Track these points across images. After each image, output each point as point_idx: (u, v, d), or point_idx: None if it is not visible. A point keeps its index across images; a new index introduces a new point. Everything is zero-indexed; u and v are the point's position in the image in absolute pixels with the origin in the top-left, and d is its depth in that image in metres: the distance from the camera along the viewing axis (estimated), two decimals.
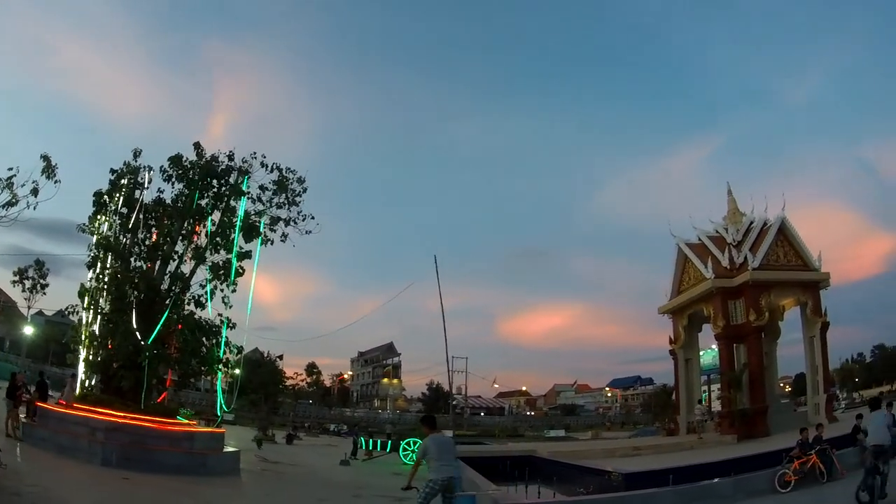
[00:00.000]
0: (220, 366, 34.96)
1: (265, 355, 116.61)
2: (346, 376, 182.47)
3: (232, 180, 36.30)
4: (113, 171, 35.27)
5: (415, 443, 46.61)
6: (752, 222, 64.40)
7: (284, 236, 37.37)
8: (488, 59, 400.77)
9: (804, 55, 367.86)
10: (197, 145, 36.11)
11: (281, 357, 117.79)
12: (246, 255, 35.90)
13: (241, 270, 35.36)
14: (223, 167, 35.90)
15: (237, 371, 44.09)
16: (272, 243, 37.33)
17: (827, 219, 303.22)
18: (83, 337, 32.11)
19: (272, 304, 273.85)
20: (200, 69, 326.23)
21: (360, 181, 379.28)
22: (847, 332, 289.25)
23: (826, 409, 58.87)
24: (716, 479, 25.82)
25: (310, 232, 37.93)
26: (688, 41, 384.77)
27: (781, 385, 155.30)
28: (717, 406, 63.42)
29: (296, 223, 37.47)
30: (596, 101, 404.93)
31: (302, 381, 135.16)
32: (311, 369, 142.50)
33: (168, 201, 35.51)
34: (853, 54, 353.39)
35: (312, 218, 37.80)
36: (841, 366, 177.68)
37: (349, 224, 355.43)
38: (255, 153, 36.70)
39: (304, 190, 37.95)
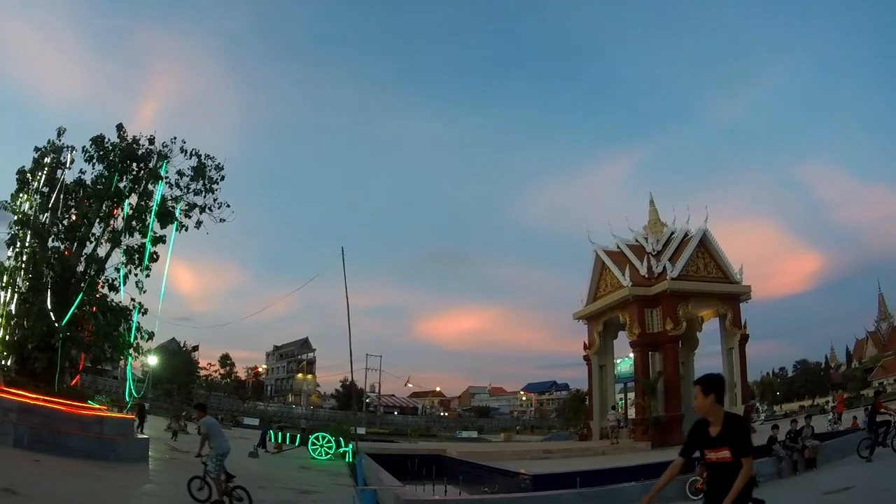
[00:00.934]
0: (131, 351, 34.73)
1: (182, 345, 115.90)
2: (260, 370, 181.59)
3: (152, 165, 36.16)
4: (37, 150, 35.07)
5: (324, 437, 46.79)
6: (673, 233, 65.41)
7: (199, 223, 37.24)
8: (419, 59, 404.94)
9: (737, 74, 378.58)
10: (119, 127, 36.16)
11: (196, 348, 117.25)
12: (160, 240, 35.83)
13: (155, 256, 35.47)
14: (143, 150, 35.87)
15: (152, 359, 43.82)
16: (187, 229, 37.26)
17: (754, 235, 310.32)
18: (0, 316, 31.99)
19: (191, 294, 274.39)
20: (133, 53, 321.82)
21: (283, 175, 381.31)
22: (770, 347, 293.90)
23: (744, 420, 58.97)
24: (623, 483, 26.00)
25: (224, 220, 37.89)
26: (622, 55, 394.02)
27: None
28: (634, 414, 63.93)
29: (211, 210, 37.38)
30: (525, 108, 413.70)
31: (215, 371, 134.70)
32: (225, 360, 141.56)
33: (88, 182, 35.26)
34: (785, 75, 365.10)
35: (228, 206, 37.75)
36: (761, 379, 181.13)
37: (269, 217, 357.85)
38: (174, 138, 36.64)
39: (222, 178, 37.90)
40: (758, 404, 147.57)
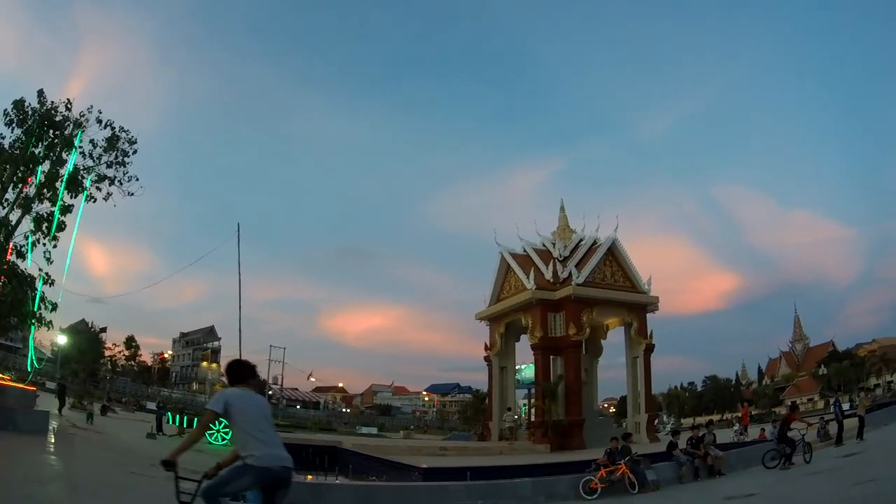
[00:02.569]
0: (34, 321, 34.47)
1: (90, 326, 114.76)
2: (167, 356, 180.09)
3: (67, 132, 35.96)
4: None
5: (221, 422, 46.62)
6: (581, 240, 66.47)
7: (108, 195, 37.09)
8: (343, 56, 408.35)
9: (661, 94, 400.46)
10: (40, 93, 36.69)
11: (104, 329, 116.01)
12: (69, 210, 35.67)
13: (63, 225, 35.25)
14: (60, 117, 35.91)
15: (61, 339, 43.43)
16: (95, 201, 37.17)
17: (670, 251, 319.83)
18: None
19: (103, 276, 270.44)
20: (68, 27, 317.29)
21: (198, 161, 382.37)
22: (681, 362, 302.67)
23: (648, 428, 61.42)
24: (514, 480, 26.70)
25: (132, 194, 37.79)
26: (549, 66, 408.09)
27: (606, 406, 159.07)
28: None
29: (121, 184, 37.33)
30: (444, 111, 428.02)
31: (121, 354, 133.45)
32: (130, 343, 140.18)
33: (6, 146, 34.99)
34: (710, 98, 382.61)
35: (137, 180, 37.68)
36: (668, 391, 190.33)
37: (182, 203, 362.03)
38: (91, 107, 36.71)
39: (134, 151, 37.96)
40: (664, 415, 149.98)
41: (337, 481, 30.31)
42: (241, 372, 10.68)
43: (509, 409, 63.84)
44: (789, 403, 51.38)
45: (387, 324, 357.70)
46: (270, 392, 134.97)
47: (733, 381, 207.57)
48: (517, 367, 70.66)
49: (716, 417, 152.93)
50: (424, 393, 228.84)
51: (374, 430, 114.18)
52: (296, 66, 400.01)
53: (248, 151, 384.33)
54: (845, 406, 48.17)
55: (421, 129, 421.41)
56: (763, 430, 50.99)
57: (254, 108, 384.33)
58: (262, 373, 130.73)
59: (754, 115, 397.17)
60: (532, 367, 65.48)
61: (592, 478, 26.08)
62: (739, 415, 73.84)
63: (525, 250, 66.41)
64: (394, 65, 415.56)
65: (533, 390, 66.81)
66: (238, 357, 17.98)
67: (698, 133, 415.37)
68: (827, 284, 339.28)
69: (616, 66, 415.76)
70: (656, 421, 76.72)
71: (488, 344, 68.19)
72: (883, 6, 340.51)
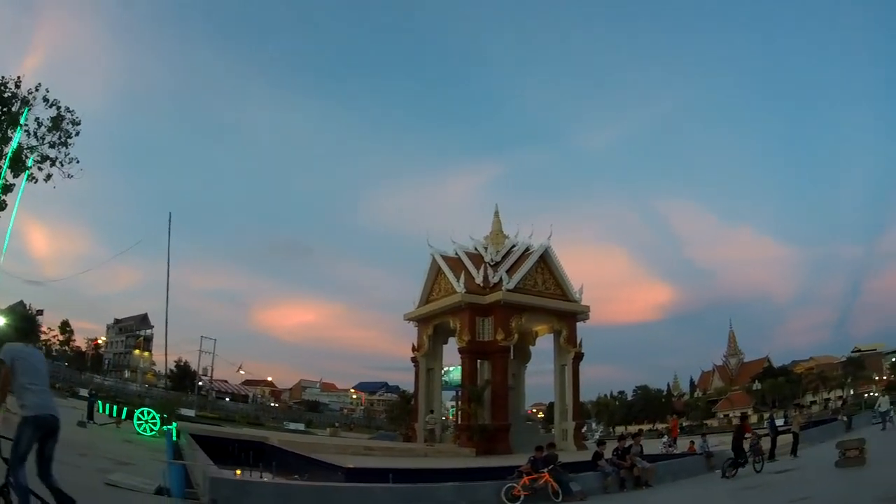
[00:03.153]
0: None
1: (27, 308, 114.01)
2: (100, 342, 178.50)
3: (14, 109, 35.67)
4: None
5: (149, 413, 46.53)
6: (514, 246, 67.01)
7: (49, 176, 36.85)
8: (294, 49, 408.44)
9: (609, 107, 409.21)
10: None
11: (41, 312, 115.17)
12: (9, 189, 35.36)
13: (3, 204, 34.95)
14: (9, 94, 35.58)
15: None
16: (36, 181, 36.83)
17: (606, 261, 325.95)
18: None
19: (44, 258, 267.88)
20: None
21: (142, 147, 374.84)
22: (613, 370, 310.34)
23: (575, 436, 62.11)
24: (436, 484, 26.52)
25: (72, 176, 37.55)
26: (497, 71, 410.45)
27: (535, 411, 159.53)
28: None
29: (62, 165, 37.00)
30: (387, 109, 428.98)
31: (54, 337, 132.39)
32: (65, 327, 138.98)
33: None
34: (656, 114, 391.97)
35: (77, 162, 37.42)
36: (598, 399, 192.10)
37: (127, 187, 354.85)
38: (39, 85, 36.47)
39: (77, 133, 37.64)
40: (593, 423, 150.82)
41: (261, 478, 29.99)
42: (31, 328, 11.72)
43: (431, 412, 63.86)
44: (739, 415, 52.00)
45: (318, 319, 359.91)
46: (200, 383, 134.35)
47: (664, 392, 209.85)
48: (445, 370, 70.95)
49: (646, 428, 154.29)
50: (353, 390, 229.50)
51: (301, 427, 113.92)
52: (245, 56, 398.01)
53: (192, 138, 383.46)
54: (779, 422, 48.47)
55: (363, 126, 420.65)
56: (692, 442, 50.59)
57: (201, 95, 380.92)
58: (193, 364, 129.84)
59: (699, 133, 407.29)
60: (459, 369, 65.69)
61: (515, 485, 26.01)
62: (669, 426, 74.18)
63: (457, 253, 66.85)
64: (340, 60, 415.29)
65: (460, 393, 66.72)
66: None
67: (641, 147, 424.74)
68: (765, 301, 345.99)
69: (563, 77, 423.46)
70: (584, 429, 77.68)
71: (416, 345, 68.15)
72: (825, 29, 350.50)
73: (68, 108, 36.94)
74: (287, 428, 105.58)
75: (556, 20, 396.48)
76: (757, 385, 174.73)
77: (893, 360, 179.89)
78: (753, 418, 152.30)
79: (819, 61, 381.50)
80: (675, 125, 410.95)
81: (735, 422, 47.35)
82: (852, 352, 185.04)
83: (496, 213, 71.58)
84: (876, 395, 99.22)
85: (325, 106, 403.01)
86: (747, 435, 33.20)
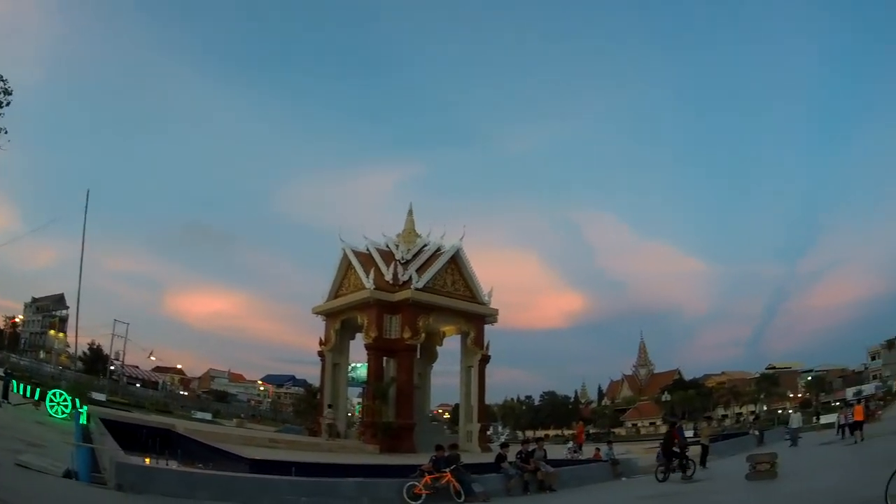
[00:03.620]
0: None
1: None
2: (18, 320, 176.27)
3: None
4: None
5: (60, 395, 46.08)
6: (426, 245, 67.35)
7: None
8: (227, 34, 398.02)
9: (532, 113, 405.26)
10: None
11: None
12: None
13: None
14: None
15: None
16: None
17: (519, 266, 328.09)
18: None
19: None
20: None
21: (65, 123, 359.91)
22: (521, 374, 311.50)
23: (480, 437, 62.68)
24: (339, 479, 26.82)
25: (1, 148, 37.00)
26: (423, 70, 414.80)
27: (440, 411, 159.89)
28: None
29: None
30: (310, 101, 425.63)
31: None
32: None
33: None
34: (579, 125, 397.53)
35: (6, 133, 36.89)
36: (504, 402, 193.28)
37: (52, 161, 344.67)
38: None
39: (8, 103, 37.02)
40: (499, 426, 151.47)
41: (167, 466, 29.85)
42: None
43: (330, 406, 63.37)
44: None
45: (229, 308, 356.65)
46: (112, 368, 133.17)
47: (572, 399, 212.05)
48: (351, 366, 71.53)
49: (552, 433, 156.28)
50: (260, 382, 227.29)
51: (208, 416, 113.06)
52: (172, 39, 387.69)
53: (115, 117, 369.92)
54: (688, 433, 49.07)
55: (284, 116, 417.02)
56: (598, 449, 50.72)
57: (125, 76, 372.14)
58: (106, 348, 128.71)
59: (619, 146, 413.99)
60: (366, 366, 65.75)
61: (417, 483, 26.41)
62: (575, 432, 74.84)
63: (368, 249, 66.89)
64: (266, 49, 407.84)
65: (365, 390, 66.77)
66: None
67: (561, 156, 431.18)
68: (678, 315, 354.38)
69: (488, 81, 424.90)
70: (489, 431, 78.29)
71: (323, 339, 67.68)
72: (751, 52, 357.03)
73: (1, 77, 36.46)
74: (195, 417, 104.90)
75: (487, 25, 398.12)
76: (667, 396, 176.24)
77: (809, 378, 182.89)
78: (662, 429, 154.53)
79: (744, 81, 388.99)
80: (596, 137, 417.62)
81: (660, 429, 47.85)
82: (766, 368, 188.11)
83: (410, 212, 71.89)
84: (790, 411, 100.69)
85: (248, 94, 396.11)
86: (676, 442, 34.05)
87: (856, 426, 51.10)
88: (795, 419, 61.46)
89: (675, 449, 33.74)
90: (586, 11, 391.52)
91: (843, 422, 57.05)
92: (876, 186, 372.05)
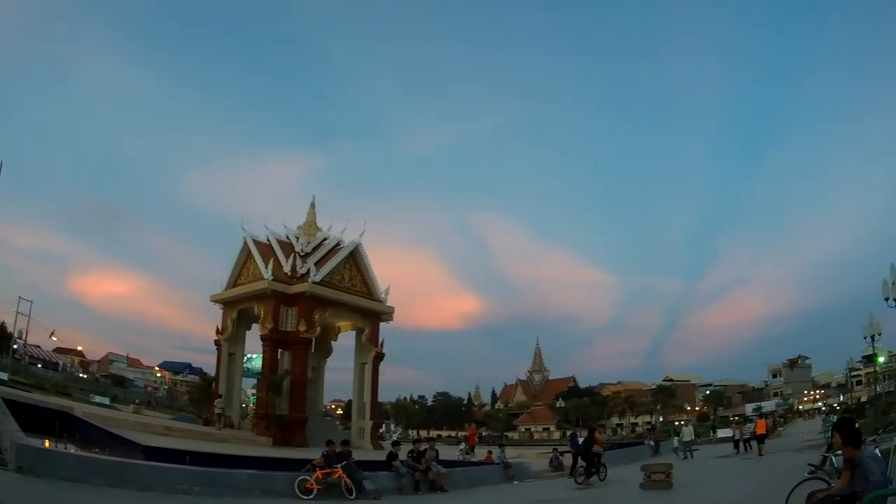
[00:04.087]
0: None
1: None
2: None
3: None
4: None
5: None
6: (326, 239, 67.81)
7: None
8: (139, 12, 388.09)
9: (440, 115, 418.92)
10: None
11: None
12: None
13: None
14: None
15: None
16: None
17: (419, 266, 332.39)
18: None
19: None
20: None
21: None
22: (415, 374, 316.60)
23: (372, 435, 63.44)
24: (232, 470, 27.09)
25: None
26: (333, 63, 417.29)
27: (333, 407, 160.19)
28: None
29: None
30: (223, 88, 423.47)
31: None
32: None
33: None
34: (482, 129, 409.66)
35: None
36: (397, 400, 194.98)
37: None
38: None
39: None
40: (392, 424, 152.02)
41: (66, 450, 29.90)
42: None
43: (220, 397, 63.07)
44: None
45: (131, 292, 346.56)
46: (16, 346, 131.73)
47: (465, 401, 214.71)
48: (247, 356, 71.47)
49: (444, 434, 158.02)
50: (157, 369, 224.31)
51: (106, 401, 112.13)
52: (89, 9, 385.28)
53: (23, 85, 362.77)
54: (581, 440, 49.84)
55: (196, 100, 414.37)
56: (490, 452, 52.43)
57: (37, 43, 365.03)
58: (10, 326, 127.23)
59: (524, 153, 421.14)
60: (261, 357, 65.67)
61: (308, 478, 26.65)
62: (467, 434, 75.32)
63: (269, 240, 66.54)
64: (182, 32, 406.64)
65: (260, 381, 66.71)
66: None
67: (465, 158, 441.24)
68: (575, 323, 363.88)
69: (398, 80, 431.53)
70: (382, 429, 79.00)
71: (220, 328, 67.07)
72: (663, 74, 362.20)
73: None
74: (93, 400, 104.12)
75: (398, 25, 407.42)
76: (561, 403, 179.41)
77: (707, 392, 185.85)
78: (556, 434, 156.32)
79: (657, 97, 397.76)
80: (501, 142, 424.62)
81: (584, 432, 48.39)
82: (664, 380, 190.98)
83: (312, 204, 72.06)
84: (682, 423, 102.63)
85: (162, 75, 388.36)
86: (596, 446, 35.47)
87: (759, 440, 52.84)
88: (687, 432, 62.53)
89: (596, 451, 35.06)
90: (500, 18, 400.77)
91: (737, 436, 58.40)
92: (779, 209, 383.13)
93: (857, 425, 12.38)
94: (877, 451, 13.45)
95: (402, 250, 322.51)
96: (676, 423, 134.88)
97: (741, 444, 56.73)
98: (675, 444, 61.71)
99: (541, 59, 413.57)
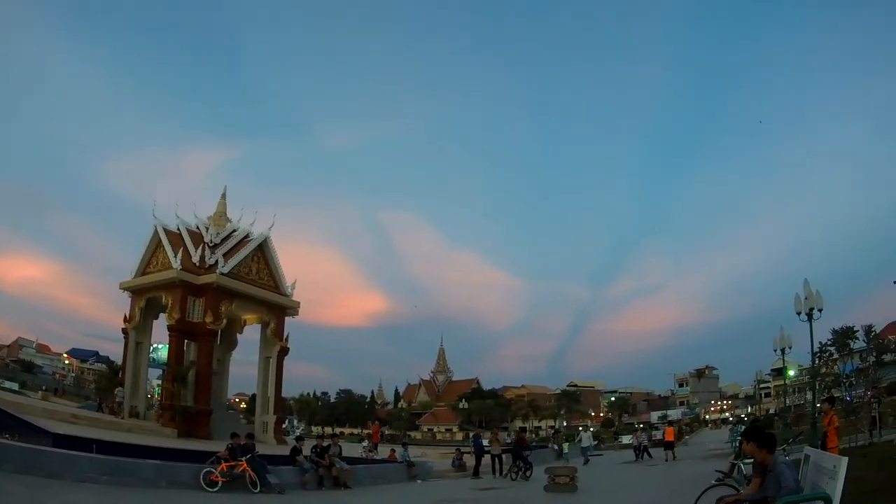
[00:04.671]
0: None
1: None
2: None
3: None
4: None
5: None
6: (235, 230, 67.71)
7: None
8: None
9: (357, 113, 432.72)
10: None
11: None
12: None
13: None
14: None
15: None
16: None
17: (326, 261, 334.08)
18: None
19: None
20: None
21: None
22: (318, 370, 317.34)
23: (276, 429, 63.57)
24: (138, 460, 26.95)
25: None
26: (254, 54, 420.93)
27: (237, 400, 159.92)
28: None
29: None
30: (143, 72, 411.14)
31: None
32: None
33: None
34: (397, 131, 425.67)
35: None
36: (301, 396, 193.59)
37: None
38: None
39: None
40: (295, 420, 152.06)
41: None
42: None
43: (121, 386, 62.82)
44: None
45: (42, 276, 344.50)
46: None
47: (368, 399, 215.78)
48: (153, 346, 69.81)
49: (347, 431, 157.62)
50: (66, 356, 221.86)
51: (15, 386, 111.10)
52: None
53: None
54: (484, 442, 50.16)
55: (115, 83, 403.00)
56: (393, 450, 52.13)
57: None
58: None
59: (439, 157, 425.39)
60: (167, 347, 65.03)
61: (213, 470, 26.73)
62: (370, 432, 75.63)
63: (179, 229, 65.98)
64: (107, 14, 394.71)
65: (166, 372, 66.17)
66: None
67: (378, 159, 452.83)
68: (481, 326, 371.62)
69: (317, 75, 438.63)
70: (285, 424, 79.85)
71: (127, 316, 65.69)
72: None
73: None
74: (2, 386, 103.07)
75: (320, 20, 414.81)
76: (464, 404, 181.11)
77: (613, 398, 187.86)
78: (459, 436, 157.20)
79: (581, 106, 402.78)
80: (416, 143, 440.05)
81: (510, 435, 48.60)
82: (568, 385, 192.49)
83: (223, 195, 71.79)
84: (580, 430, 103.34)
85: (81, 56, 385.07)
86: (525, 446, 38.72)
87: (667, 446, 54.56)
88: (586, 438, 63.15)
89: (525, 453, 37.33)
90: (425, 19, 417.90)
91: (635, 443, 59.24)
92: (694, 223, 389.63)
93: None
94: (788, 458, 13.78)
95: (311, 245, 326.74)
96: (580, 428, 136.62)
97: (637, 451, 57.67)
98: (566, 448, 62.54)
99: (464, 63, 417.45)
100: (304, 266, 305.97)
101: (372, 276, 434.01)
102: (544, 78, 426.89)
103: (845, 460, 9.35)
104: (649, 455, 57.00)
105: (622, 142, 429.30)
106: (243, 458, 27.63)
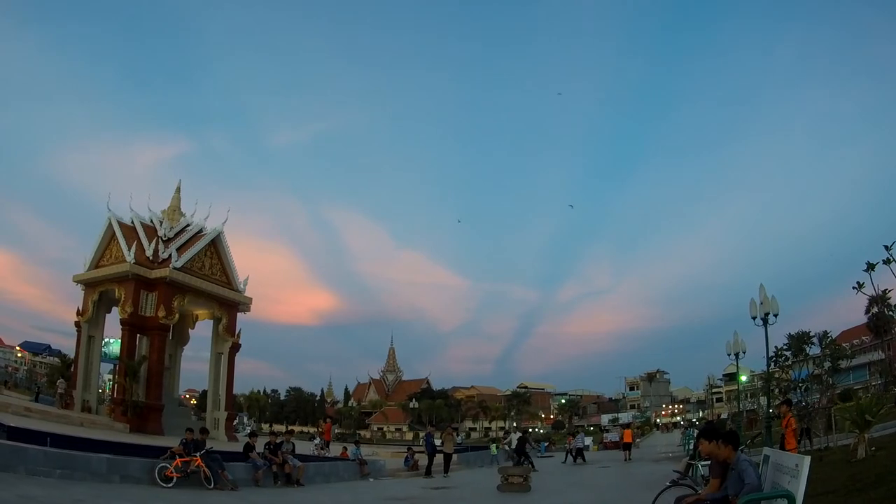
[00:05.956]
0: None
1: None
2: None
3: None
4: None
5: None
6: (188, 225, 67.60)
7: None
8: None
9: (307, 110, 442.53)
10: None
11: None
12: None
13: None
14: None
15: None
16: None
17: (275, 258, 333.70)
18: None
19: None
20: None
21: None
22: (268, 367, 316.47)
23: (227, 426, 63.88)
24: (90, 454, 26.60)
25: None
26: (204, 47, 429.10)
27: (188, 396, 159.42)
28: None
29: None
30: (95, 61, 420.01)
31: None
32: None
33: None
34: (345, 128, 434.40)
35: None
36: (250, 393, 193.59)
37: None
38: None
39: None
40: (245, 417, 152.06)
41: None
42: None
43: (62, 377, 62.54)
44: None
45: None
46: None
47: (318, 397, 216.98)
48: (105, 340, 69.82)
49: (297, 429, 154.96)
50: (18, 348, 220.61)
51: None
52: None
53: None
54: (437, 441, 50.18)
55: (65, 71, 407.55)
56: (345, 448, 53.63)
57: None
58: None
59: (388, 156, 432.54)
60: (119, 342, 64.81)
61: (168, 465, 26.56)
62: (322, 430, 75.98)
63: (133, 222, 65.94)
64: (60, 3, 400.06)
65: (118, 366, 65.38)
66: None
67: (328, 155, 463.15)
68: (431, 326, 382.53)
69: (266, 70, 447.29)
70: (236, 421, 79.14)
71: (80, 309, 65.42)
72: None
73: None
74: None
75: (272, 17, 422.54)
76: (414, 404, 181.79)
77: (563, 400, 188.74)
78: (408, 435, 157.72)
79: (530, 111, 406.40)
80: (366, 143, 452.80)
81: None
82: (518, 387, 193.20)
83: (178, 189, 71.68)
84: (510, 432, 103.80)
85: (29, 41, 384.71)
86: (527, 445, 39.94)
87: (624, 447, 56.75)
88: (514, 439, 63.35)
89: (527, 450, 36.49)
90: (375, 24, 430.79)
91: (569, 447, 59.53)
92: (643, 229, 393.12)
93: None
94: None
95: (260, 242, 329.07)
96: (531, 429, 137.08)
97: (570, 455, 57.89)
98: (494, 451, 62.77)
99: (412, 66, 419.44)
100: (253, 262, 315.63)
101: (320, 274, 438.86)
102: (487, 82, 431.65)
103: (808, 459, 9.44)
104: (583, 459, 56.86)
105: (570, 147, 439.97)
106: (198, 454, 27.46)
